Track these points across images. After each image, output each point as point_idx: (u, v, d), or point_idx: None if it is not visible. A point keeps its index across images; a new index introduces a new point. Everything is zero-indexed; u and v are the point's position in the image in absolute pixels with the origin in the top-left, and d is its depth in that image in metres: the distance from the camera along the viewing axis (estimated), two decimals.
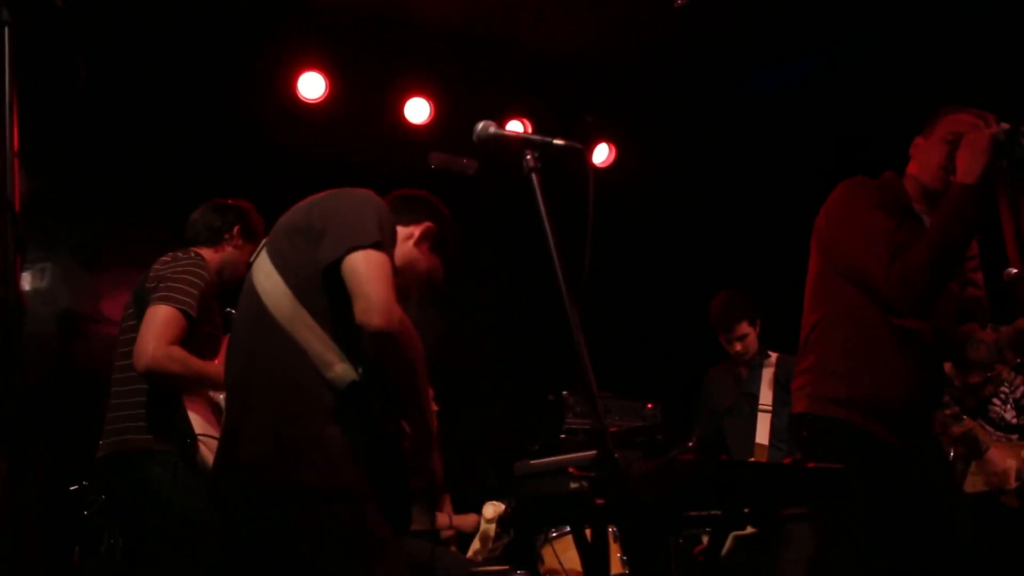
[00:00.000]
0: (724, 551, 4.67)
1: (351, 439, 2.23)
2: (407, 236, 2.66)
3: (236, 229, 3.86)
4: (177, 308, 3.45)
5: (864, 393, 3.03)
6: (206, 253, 3.79)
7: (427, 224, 2.69)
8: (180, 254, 3.69)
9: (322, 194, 2.49)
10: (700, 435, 5.26)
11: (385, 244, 2.28)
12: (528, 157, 2.21)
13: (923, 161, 3.16)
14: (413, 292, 2.70)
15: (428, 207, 2.74)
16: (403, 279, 2.62)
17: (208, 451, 3.47)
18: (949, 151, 3.06)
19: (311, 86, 5.95)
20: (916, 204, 3.16)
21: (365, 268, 2.21)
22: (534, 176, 2.19)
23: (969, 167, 2.86)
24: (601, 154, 6.88)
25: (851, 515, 2.90)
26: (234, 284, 3.88)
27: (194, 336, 3.52)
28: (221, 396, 3.65)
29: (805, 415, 3.13)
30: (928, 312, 3.06)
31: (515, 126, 6.28)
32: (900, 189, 3.18)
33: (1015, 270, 3.33)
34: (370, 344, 2.22)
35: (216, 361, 3.70)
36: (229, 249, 3.85)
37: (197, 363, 3.50)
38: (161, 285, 3.50)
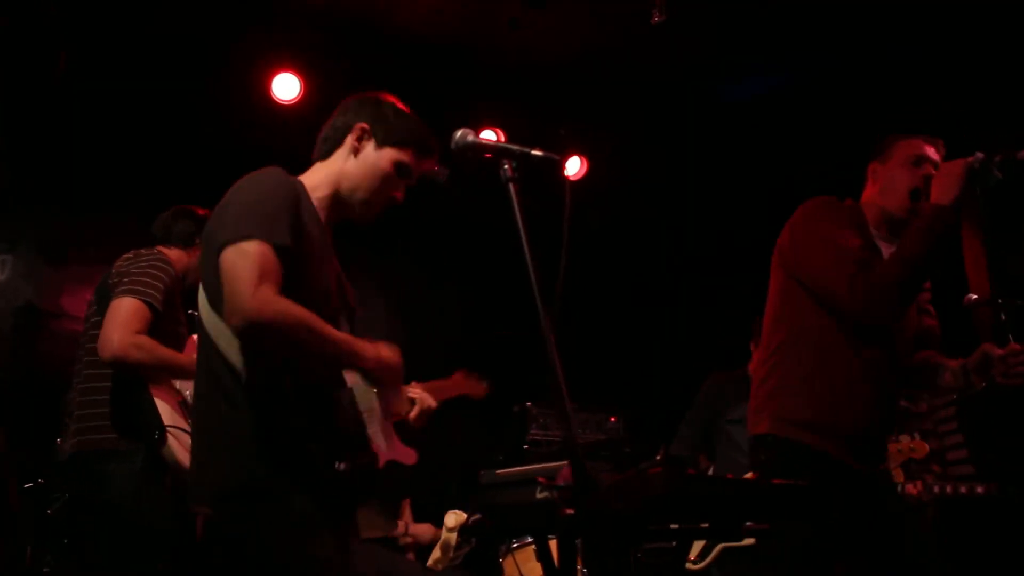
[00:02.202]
0: (709, 561, 4.68)
1: (269, 439, 2.20)
2: (345, 154, 2.56)
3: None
4: (142, 300, 3.42)
5: (826, 416, 3.05)
6: (173, 254, 3.77)
7: (358, 126, 2.57)
8: (143, 251, 3.68)
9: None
10: (685, 435, 5.20)
11: (266, 228, 2.20)
12: (506, 167, 2.20)
13: (886, 186, 3.19)
14: (398, 196, 2.60)
15: (345, 110, 2.62)
16: (374, 194, 2.56)
17: (176, 443, 3.44)
18: (914, 173, 3.10)
19: (285, 87, 5.93)
20: (874, 230, 3.19)
21: (226, 268, 2.17)
22: (511, 186, 2.18)
23: (944, 191, 2.92)
24: (573, 167, 6.90)
25: (804, 536, 2.91)
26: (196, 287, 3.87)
27: (159, 332, 3.49)
28: (188, 391, 3.61)
29: (766, 436, 3.13)
30: (889, 325, 3.08)
31: (487, 135, 6.30)
32: (860, 215, 3.21)
33: (975, 296, 3.39)
34: (245, 343, 2.20)
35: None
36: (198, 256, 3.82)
37: (164, 351, 3.47)
38: (124, 279, 3.48)
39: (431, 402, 2.77)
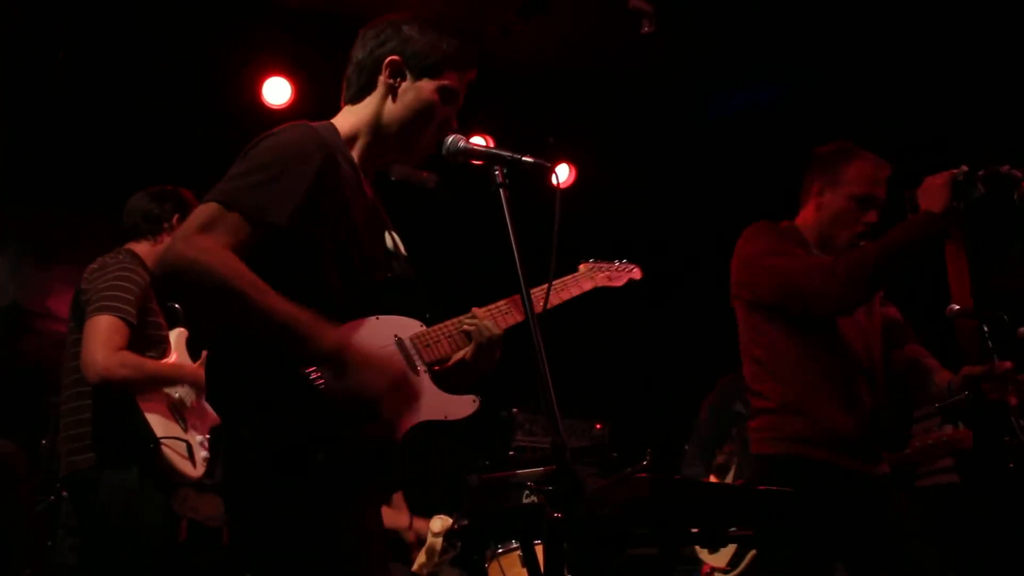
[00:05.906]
0: (741, 569, 4.68)
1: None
2: (381, 95, 2.31)
3: (175, 218, 3.65)
4: (117, 317, 3.35)
5: (819, 430, 3.10)
6: (143, 248, 3.62)
7: (388, 61, 2.29)
8: (108, 259, 3.54)
9: None
10: (703, 435, 5.15)
11: (260, 202, 2.03)
12: (496, 172, 2.22)
13: (834, 218, 3.24)
14: (453, 124, 2.38)
15: (365, 43, 2.34)
16: (423, 132, 2.33)
17: (172, 453, 3.41)
18: (860, 217, 3.16)
19: (276, 91, 5.92)
20: (815, 251, 3.25)
21: (191, 216, 2.02)
22: (502, 192, 2.20)
23: (932, 201, 2.97)
24: (561, 174, 6.90)
25: (797, 542, 2.94)
26: None
27: (140, 340, 3.46)
28: (177, 393, 3.59)
29: (772, 456, 3.17)
30: (851, 311, 3.14)
31: (476, 141, 6.29)
32: (800, 237, 3.28)
33: (957, 306, 3.44)
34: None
35: (172, 358, 3.64)
36: (168, 239, 3.53)
37: (150, 364, 3.43)
38: (95, 296, 3.39)
39: (493, 329, 2.34)
